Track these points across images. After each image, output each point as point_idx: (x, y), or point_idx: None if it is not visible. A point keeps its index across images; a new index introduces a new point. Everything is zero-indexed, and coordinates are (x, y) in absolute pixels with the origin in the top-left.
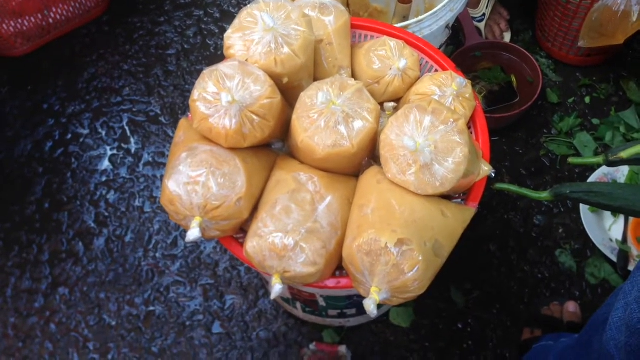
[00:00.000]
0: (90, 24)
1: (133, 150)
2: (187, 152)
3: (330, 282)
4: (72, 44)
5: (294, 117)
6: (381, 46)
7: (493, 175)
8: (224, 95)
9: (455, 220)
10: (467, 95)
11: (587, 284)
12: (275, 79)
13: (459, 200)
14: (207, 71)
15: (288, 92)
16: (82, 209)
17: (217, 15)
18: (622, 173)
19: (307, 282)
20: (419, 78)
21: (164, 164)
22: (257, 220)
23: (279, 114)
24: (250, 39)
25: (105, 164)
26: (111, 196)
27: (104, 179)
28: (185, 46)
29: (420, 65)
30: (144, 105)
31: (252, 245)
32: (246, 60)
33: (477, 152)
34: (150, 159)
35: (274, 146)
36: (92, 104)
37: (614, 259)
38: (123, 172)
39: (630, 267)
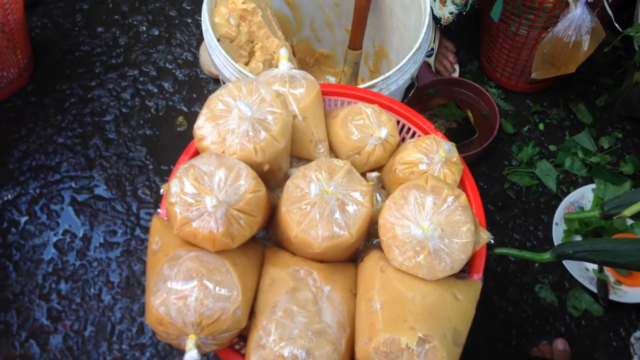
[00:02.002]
0: (14, 95)
1: (80, 233)
2: (169, 262)
3: None
4: None
5: (283, 209)
6: (357, 114)
7: (492, 241)
8: (209, 200)
9: (468, 300)
10: (454, 160)
11: (571, 317)
12: (256, 167)
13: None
14: (182, 169)
15: (266, 176)
16: (31, 305)
17: (154, 73)
18: (587, 200)
19: None
20: (398, 143)
21: (117, 244)
22: (257, 327)
23: (265, 206)
24: (226, 129)
25: (51, 251)
26: (62, 287)
27: (51, 268)
28: (123, 110)
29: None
30: (86, 181)
31: None
32: (222, 151)
33: (474, 220)
34: (101, 240)
35: (257, 235)
36: (28, 186)
37: (593, 289)
38: (72, 258)
39: (611, 296)
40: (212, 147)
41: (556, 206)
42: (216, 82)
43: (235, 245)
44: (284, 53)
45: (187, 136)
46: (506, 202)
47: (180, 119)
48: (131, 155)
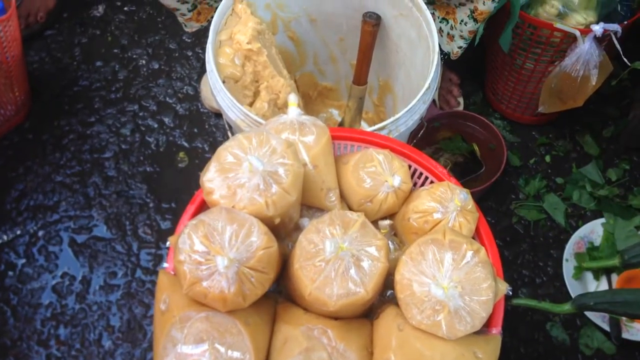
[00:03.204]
0: (11, 133)
1: (79, 275)
2: (178, 324)
3: None
4: None
5: (296, 265)
6: (369, 161)
7: (510, 293)
8: (220, 260)
9: (488, 358)
10: (470, 207)
11: (583, 356)
12: (267, 221)
13: None
14: (191, 226)
15: (276, 227)
16: (29, 352)
17: (154, 108)
18: (597, 234)
19: None
20: (411, 189)
21: (117, 286)
22: None
23: (277, 262)
24: (236, 183)
25: (50, 295)
26: (62, 332)
27: (50, 313)
28: (123, 146)
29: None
30: (85, 220)
31: None
32: (232, 206)
33: (494, 274)
34: (101, 282)
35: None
36: (26, 227)
37: (606, 327)
38: (71, 302)
39: (624, 334)
40: (221, 202)
41: (565, 240)
42: (217, 116)
43: (247, 304)
44: (293, 99)
45: (189, 172)
46: (514, 236)
47: (181, 154)
48: (131, 193)
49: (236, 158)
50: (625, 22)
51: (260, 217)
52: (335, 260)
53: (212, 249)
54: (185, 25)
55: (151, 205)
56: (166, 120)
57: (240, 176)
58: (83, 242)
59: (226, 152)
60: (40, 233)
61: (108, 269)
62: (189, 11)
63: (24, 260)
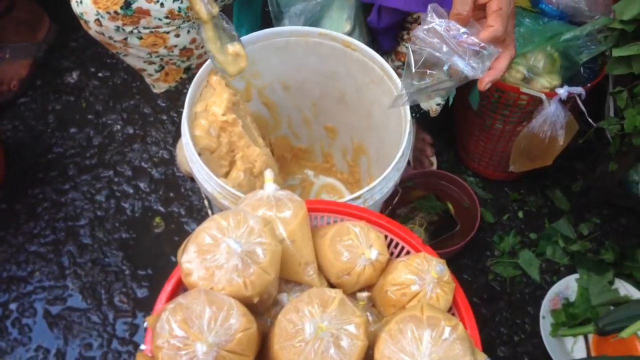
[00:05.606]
0: None
1: (54, 348)
2: None
3: None
4: None
5: (276, 347)
6: (346, 235)
7: None
8: (199, 347)
9: None
10: (446, 278)
11: None
12: (245, 301)
13: None
14: (169, 309)
15: (254, 306)
16: None
17: (129, 173)
18: (572, 290)
19: None
20: (388, 259)
21: (93, 358)
22: None
23: (256, 343)
24: (214, 264)
25: None
26: None
27: None
28: (98, 213)
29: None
30: (59, 290)
31: None
32: (211, 287)
33: (472, 348)
34: (77, 355)
35: None
36: None
37: None
38: None
39: None
40: (200, 283)
41: (541, 297)
42: (193, 180)
43: None
44: (269, 175)
45: (165, 238)
46: (491, 294)
47: (157, 219)
48: (107, 260)
49: (214, 239)
50: (589, 85)
51: (239, 297)
52: (315, 341)
53: (190, 334)
54: (154, 86)
55: (127, 272)
56: (142, 185)
57: (219, 257)
58: (57, 313)
59: (204, 234)
60: (14, 305)
61: (83, 341)
62: (156, 72)
63: None
